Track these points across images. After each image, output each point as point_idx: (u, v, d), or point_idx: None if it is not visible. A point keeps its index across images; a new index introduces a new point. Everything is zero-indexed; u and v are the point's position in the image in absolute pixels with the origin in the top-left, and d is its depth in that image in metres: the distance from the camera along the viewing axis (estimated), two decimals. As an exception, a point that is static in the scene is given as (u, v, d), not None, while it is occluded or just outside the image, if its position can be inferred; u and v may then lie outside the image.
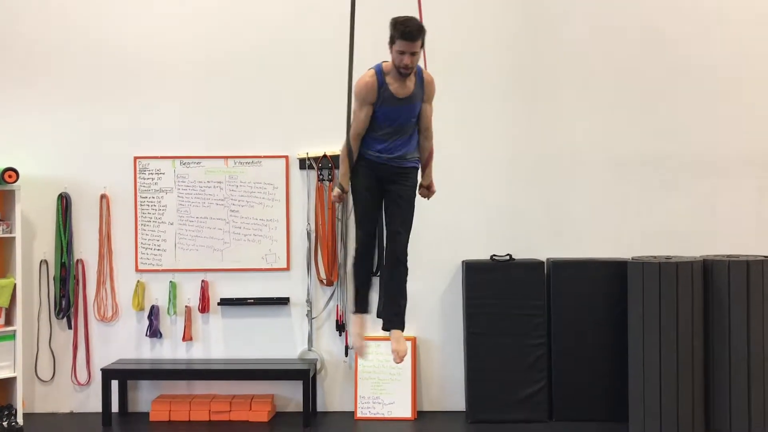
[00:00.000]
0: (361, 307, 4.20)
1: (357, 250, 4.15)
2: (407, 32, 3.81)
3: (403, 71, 3.90)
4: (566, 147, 6.16)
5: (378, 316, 4.25)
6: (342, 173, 4.14)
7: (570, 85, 6.16)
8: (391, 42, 3.88)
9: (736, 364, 5.50)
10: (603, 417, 5.75)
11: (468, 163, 6.15)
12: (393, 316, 4.14)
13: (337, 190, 4.18)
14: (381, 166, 4.06)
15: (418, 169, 4.20)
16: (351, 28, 4.08)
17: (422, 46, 3.93)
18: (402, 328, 4.15)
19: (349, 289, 4.29)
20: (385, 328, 4.17)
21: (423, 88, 4.05)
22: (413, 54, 3.87)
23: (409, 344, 6.01)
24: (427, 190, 4.39)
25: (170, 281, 6.18)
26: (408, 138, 4.09)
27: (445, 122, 6.13)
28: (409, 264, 6.24)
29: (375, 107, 3.97)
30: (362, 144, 4.06)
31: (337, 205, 6.08)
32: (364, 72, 4.03)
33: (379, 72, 3.97)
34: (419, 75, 4.03)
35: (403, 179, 4.11)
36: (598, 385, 5.81)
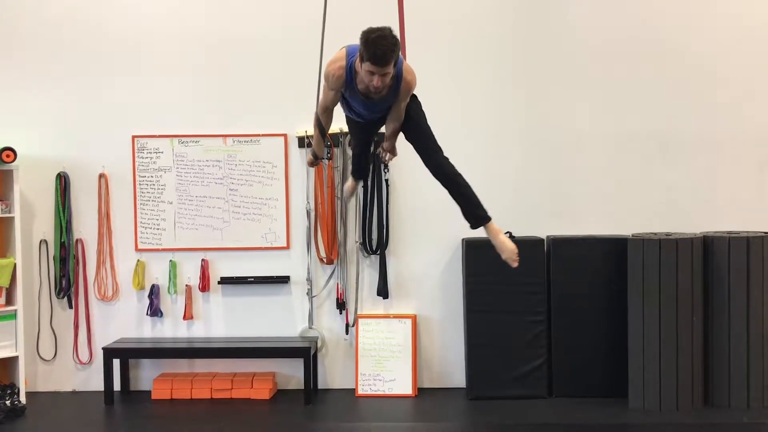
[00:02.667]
0: (358, 174, 4.40)
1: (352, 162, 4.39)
2: (377, 56, 3.39)
3: (372, 92, 3.57)
4: (567, 124, 6.13)
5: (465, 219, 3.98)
6: (315, 141, 4.08)
7: (570, 62, 6.12)
8: (361, 59, 3.48)
9: (736, 340, 5.53)
10: (602, 393, 5.78)
11: (468, 141, 6.11)
12: (474, 214, 3.84)
13: (310, 157, 4.16)
14: (366, 122, 3.97)
15: (409, 92, 3.81)
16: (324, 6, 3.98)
17: (395, 64, 3.51)
18: (490, 218, 3.85)
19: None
20: (475, 226, 3.88)
21: (397, 94, 3.69)
22: (384, 75, 3.48)
23: (409, 322, 6.06)
24: (386, 152, 4.24)
25: (170, 260, 6.18)
26: (385, 106, 3.87)
27: (445, 100, 6.13)
28: (409, 242, 6.28)
29: (343, 93, 3.78)
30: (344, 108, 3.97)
31: (335, 181, 6.08)
32: (339, 51, 3.73)
33: (350, 69, 3.63)
34: (397, 79, 3.64)
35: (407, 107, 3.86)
36: (597, 361, 5.83)
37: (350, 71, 3.64)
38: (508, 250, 3.84)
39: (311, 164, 4.24)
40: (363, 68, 3.51)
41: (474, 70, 6.11)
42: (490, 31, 6.13)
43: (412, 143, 3.94)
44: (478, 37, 6.12)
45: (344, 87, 3.70)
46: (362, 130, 4.13)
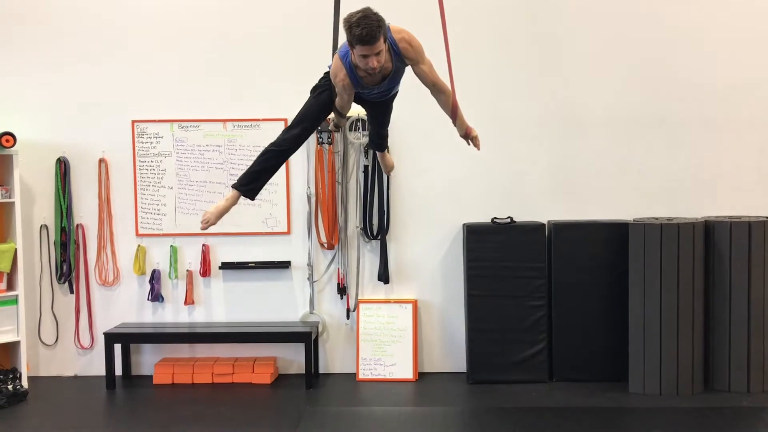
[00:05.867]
0: (249, 190, 3.80)
1: (279, 143, 3.80)
2: (363, 37, 3.34)
3: (371, 73, 3.52)
4: (568, 108, 6.11)
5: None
6: (336, 118, 4.01)
7: (572, 46, 6.09)
8: (351, 46, 3.44)
9: (736, 325, 5.53)
10: (603, 377, 5.80)
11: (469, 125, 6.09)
12: (381, 144, 4.42)
13: (333, 124, 4.22)
14: (361, 95, 3.87)
15: (414, 52, 3.71)
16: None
17: (386, 40, 3.45)
18: (387, 147, 4.49)
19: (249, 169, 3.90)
20: (377, 149, 4.55)
21: (402, 60, 3.62)
22: (378, 54, 3.42)
23: (410, 306, 6.07)
24: (468, 137, 3.98)
25: (171, 245, 6.18)
26: (396, 81, 3.82)
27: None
28: (409, 227, 6.29)
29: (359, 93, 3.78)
30: None
31: (336, 166, 6.07)
32: (334, 60, 3.70)
33: (350, 70, 3.59)
34: (393, 48, 3.57)
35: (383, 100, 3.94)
36: (598, 346, 5.84)
37: (352, 72, 3.60)
38: (389, 165, 4.60)
39: (336, 128, 4.32)
40: (356, 53, 3.45)
41: (477, 54, 6.08)
42: (494, 14, 6.09)
43: (371, 117, 4.19)
44: (482, 20, 6.08)
45: (354, 89, 3.68)
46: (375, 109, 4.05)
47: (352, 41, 3.40)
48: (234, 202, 3.83)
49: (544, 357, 5.87)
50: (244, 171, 3.91)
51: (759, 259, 5.50)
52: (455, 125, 3.95)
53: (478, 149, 4.11)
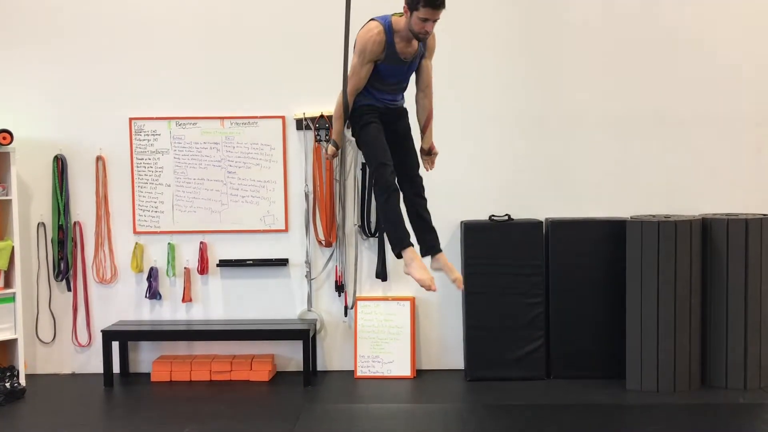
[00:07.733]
0: (409, 239, 3.94)
1: (385, 187, 3.82)
2: (437, 1, 3.60)
3: (422, 37, 3.73)
4: (565, 106, 6.11)
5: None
6: (336, 130, 4.00)
7: (569, 44, 6.09)
8: (414, 6, 3.63)
9: (733, 322, 5.55)
10: (600, 374, 5.81)
11: (467, 123, 6.10)
12: (433, 244, 4.10)
13: (332, 148, 4.06)
14: (382, 110, 3.93)
15: (433, 47, 4.03)
16: None
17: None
18: (441, 250, 4.13)
19: (386, 229, 4.04)
20: (429, 253, 4.12)
21: (425, 44, 3.92)
22: (435, 21, 3.68)
23: (407, 304, 6.07)
24: (429, 155, 4.19)
25: (168, 243, 6.18)
26: (404, 88, 4.02)
27: (445, 81, 6.09)
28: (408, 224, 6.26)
29: (377, 64, 3.81)
30: (360, 95, 3.89)
31: (334, 164, 6.06)
32: (367, 24, 3.82)
33: (388, 29, 3.75)
34: None
35: (402, 119, 4.02)
36: (595, 343, 5.85)
37: (389, 32, 3.76)
38: (458, 276, 4.12)
39: (333, 156, 4.11)
40: (415, 15, 3.66)
41: (474, 52, 6.08)
42: (491, 12, 6.09)
43: (396, 156, 3.94)
44: (479, 19, 6.08)
45: (383, 52, 3.77)
46: (379, 118, 3.94)
47: (422, 3, 3.60)
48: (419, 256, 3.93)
49: (541, 354, 5.88)
50: (391, 233, 3.98)
51: (755, 256, 5.52)
52: (423, 135, 4.13)
53: (429, 170, 4.22)
